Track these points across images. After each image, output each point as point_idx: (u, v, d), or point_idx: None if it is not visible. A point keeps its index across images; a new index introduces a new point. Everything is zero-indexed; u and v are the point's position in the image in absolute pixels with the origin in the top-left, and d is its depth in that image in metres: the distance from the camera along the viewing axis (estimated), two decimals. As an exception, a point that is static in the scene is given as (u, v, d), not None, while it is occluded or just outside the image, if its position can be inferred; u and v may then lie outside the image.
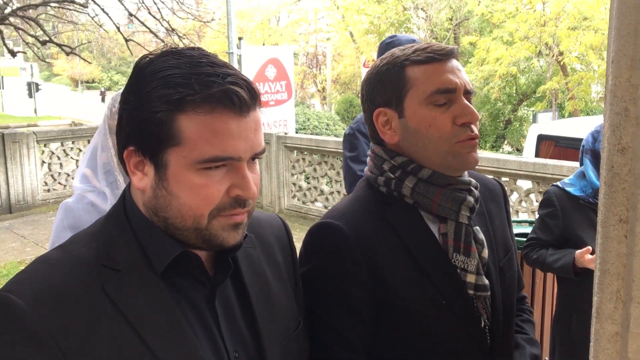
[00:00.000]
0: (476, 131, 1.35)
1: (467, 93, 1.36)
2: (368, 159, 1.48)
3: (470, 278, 1.36)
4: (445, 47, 1.37)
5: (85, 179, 1.68)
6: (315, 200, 8.87)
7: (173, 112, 0.97)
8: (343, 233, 1.33)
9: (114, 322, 0.97)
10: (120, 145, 1.05)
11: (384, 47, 3.23)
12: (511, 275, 1.51)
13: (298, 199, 9.20)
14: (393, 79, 1.37)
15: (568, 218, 2.65)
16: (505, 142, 26.51)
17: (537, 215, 2.86)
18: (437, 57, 1.35)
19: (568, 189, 2.67)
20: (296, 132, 13.48)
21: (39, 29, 11.40)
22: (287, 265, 1.28)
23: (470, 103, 1.36)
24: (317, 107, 33.98)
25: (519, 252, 2.85)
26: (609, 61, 1.06)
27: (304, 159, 9.02)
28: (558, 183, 2.76)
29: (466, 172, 1.44)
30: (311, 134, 14.65)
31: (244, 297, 1.13)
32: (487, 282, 1.38)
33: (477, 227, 1.41)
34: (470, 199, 1.38)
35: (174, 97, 0.96)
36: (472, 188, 1.40)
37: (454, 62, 1.37)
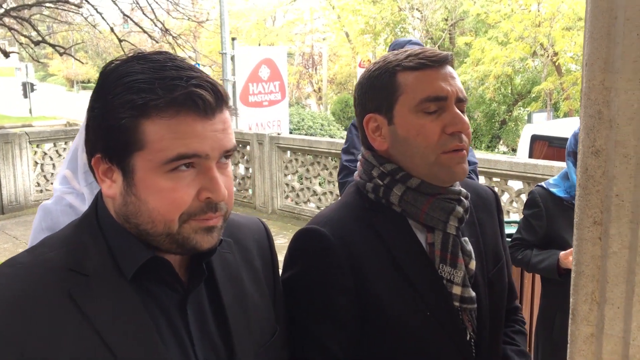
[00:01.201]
0: (466, 141, 1.31)
1: (460, 101, 1.32)
2: (358, 163, 1.46)
3: (456, 290, 1.34)
4: (438, 54, 1.34)
5: (65, 180, 1.67)
6: (308, 200, 8.87)
7: (137, 118, 0.97)
8: (328, 239, 1.31)
9: (79, 328, 0.96)
10: (88, 152, 1.04)
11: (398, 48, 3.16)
12: (501, 287, 1.48)
13: (291, 200, 9.19)
14: (384, 85, 1.34)
15: (552, 219, 2.65)
16: (501, 142, 26.53)
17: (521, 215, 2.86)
18: (430, 63, 1.32)
19: (552, 189, 2.67)
20: (290, 133, 13.47)
21: (33, 29, 11.37)
22: (267, 271, 1.26)
23: (464, 111, 1.33)
24: (313, 107, 33.94)
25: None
26: (584, 64, 1.06)
27: (296, 160, 9.01)
28: (543, 184, 2.76)
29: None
30: (305, 134, 14.63)
31: (218, 303, 1.12)
32: (473, 294, 1.36)
33: (466, 238, 1.38)
34: (460, 209, 1.35)
35: (138, 102, 0.96)
36: (462, 198, 1.37)
37: (448, 69, 1.33)
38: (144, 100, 0.96)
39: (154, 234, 1.01)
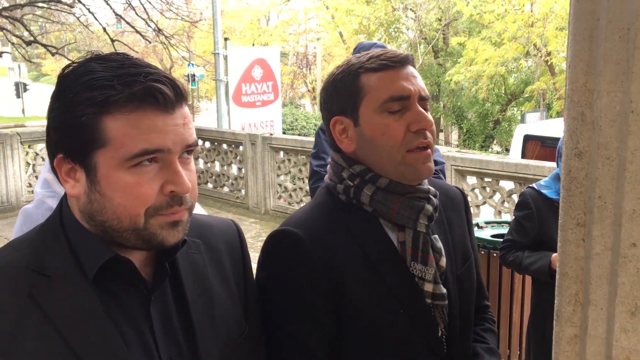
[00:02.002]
0: (430, 137, 1.34)
1: (422, 99, 1.35)
2: (328, 166, 1.48)
3: (428, 287, 1.36)
4: (399, 54, 1.37)
5: (46, 184, 1.67)
6: (301, 201, 8.86)
7: (98, 115, 0.97)
8: (300, 240, 1.32)
9: (40, 329, 0.97)
10: (50, 154, 1.05)
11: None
12: (470, 284, 1.51)
13: (284, 200, 9.17)
14: (348, 87, 1.37)
15: (543, 220, 2.65)
16: (495, 142, 26.61)
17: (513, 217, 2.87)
18: (391, 64, 1.34)
19: (544, 191, 2.68)
20: (284, 133, 13.47)
21: (25, 29, 11.32)
22: (237, 272, 1.27)
23: (427, 109, 1.36)
24: (308, 107, 33.96)
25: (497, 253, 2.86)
26: (567, 66, 1.07)
27: (289, 160, 9.00)
28: (534, 185, 2.77)
29: (426, 180, 1.43)
30: (299, 134, 14.65)
31: (183, 302, 1.12)
32: (444, 291, 1.38)
33: (436, 236, 1.41)
34: (429, 207, 1.37)
35: (98, 99, 0.97)
36: (431, 196, 1.39)
37: (409, 69, 1.36)
38: (104, 96, 0.97)
39: (119, 229, 1.02)
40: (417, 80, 1.35)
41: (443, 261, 1.39)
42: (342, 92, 1.38)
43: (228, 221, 1.36)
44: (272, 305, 1.34)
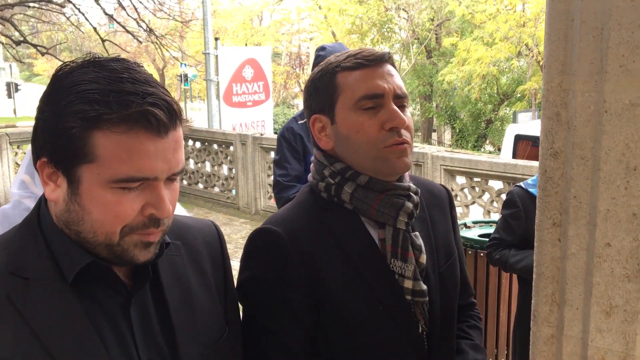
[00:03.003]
0: (405, 136, 1.34)
1: (398, 98, 1.36)
2: (311, 165, 1.49)
3: (408, 284, 1.37)
4: (375, 53, 1.38)
5: (23, 185, 1.67)
6: (292, 201, 8.84)
7: (88, 129, 0.95)
8: (280, 238, 1.33)
9: (17, 331, 0.96)
10: (34, 154, 1.04)
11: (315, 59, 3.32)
12: (452, 281, 1.51)
13: (274, 200, 9.15)
14: (325, 86, 1.39)
15: (530, 219, 2.64)
16: (487, 141, 26.68)
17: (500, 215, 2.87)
18: (366, 62, 1.36)
19: (531, 190, 2.68)
20: (275, 133, 13.43)
21: (15, 29, 11.26)
22: (217, 273, 1.27)
23: (405, 107, 1.37)
24: (301, 107, 33.88)
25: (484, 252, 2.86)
26: (543, 66, 1.06)
27: (281, 160, 8.96)
28: (521, 184, 2.77)
29: (407, 177, 1.44)
30: (291, 134, 14.59)
31: (163, 304, 1.12)
32: (424, 287, 1.39)
33: (416, 233, 1.41)
34: (409, 204, 1.38)
35: (90, 114, 0.94)
36: (412, 194, 1.40)
37: (386, 67, 1.37)
38: (97, 112, 0.94)
39: (93, 243, 1.01)
40: (393, 79, 1.36)
41: (423, 258, 1.40)
42: (320, 91, 1.40)
43: (207, 222, 1.35)
44: (252, 303, 1.35)
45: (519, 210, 2.69)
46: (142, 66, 1.04)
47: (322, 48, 3.35)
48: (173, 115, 1.00)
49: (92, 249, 1.02)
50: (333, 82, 1.37)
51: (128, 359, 1.04)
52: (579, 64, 0.98)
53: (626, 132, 0.94)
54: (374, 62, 1.36)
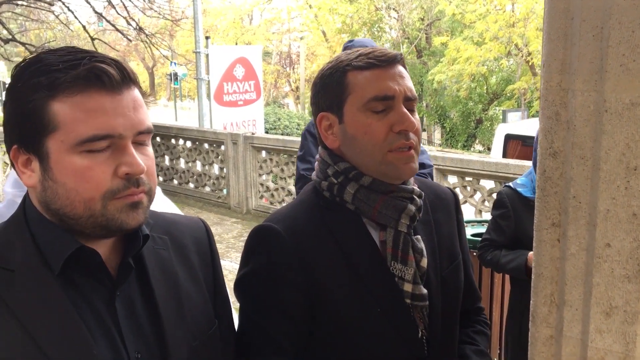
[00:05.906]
0: (413, 139, 1.32)
1: (409, 100, 1.34)
2: (316, 163, 1.47)
3: (407, 287, 1.35)
4: (387, 53, 1.35)
5: (17, 183, 1.66)
6: (283, 200, 8.83)
7: (45, 99, 0.98)
8: (280, 237, 1.32)
9: (5, 323, 0.97)
10: (7, 147, 1.05)
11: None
12: (455, 286, 1.49)
13: (266, 200, 9.13)
14: (334, 84, 1.36)
15: (520, 219, 2.66)
16: (477, 141, 26.76)
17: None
18: (378, 63, 1.33)
19: (520, 189, 2.68)
20: (266, 132, 13.42)
21: (3, 27, 11.16)
22: (205, 268, 1.27)
23: (414, 110, 1.35)
24: (291, 106, 33.93)
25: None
26: (542, 65, 1.06)
27: (271, 159, 8.96)
28: (510, 184, 2.78)
29: (412, 180, 1.43)
30: (282, 134, 14.61)
31: (150, 297, 1.13)
32: (425, 291, 1.37)
33: (418, 236, 1.40)
34: (412, 207, 1.36)
35: (44, 83, 0.98)
36: (415, 197, 1.38)
37: (398, 69, 1.35)
38: (49, 80, 0.98)
39: (74, 216, 1.01)
40: (404, 81, 1.34)
41: (424, 262, 1.38)
42: (329, 89, 1.37)
43: (195, 219, 1.36)
44: (247, 298, 1.35)
45: (507, 211, 2.70)
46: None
47: (350, 41, 3.32)
48: (125, 73, 1.03)
49: (76, 225, 1.02)
50: (343, 80, 1.35)
51: (115, 351, 1.05)
52: (578, 63, 0.97)
53: (626, 132, 0.93)
54: (386, 62, 1.34)
